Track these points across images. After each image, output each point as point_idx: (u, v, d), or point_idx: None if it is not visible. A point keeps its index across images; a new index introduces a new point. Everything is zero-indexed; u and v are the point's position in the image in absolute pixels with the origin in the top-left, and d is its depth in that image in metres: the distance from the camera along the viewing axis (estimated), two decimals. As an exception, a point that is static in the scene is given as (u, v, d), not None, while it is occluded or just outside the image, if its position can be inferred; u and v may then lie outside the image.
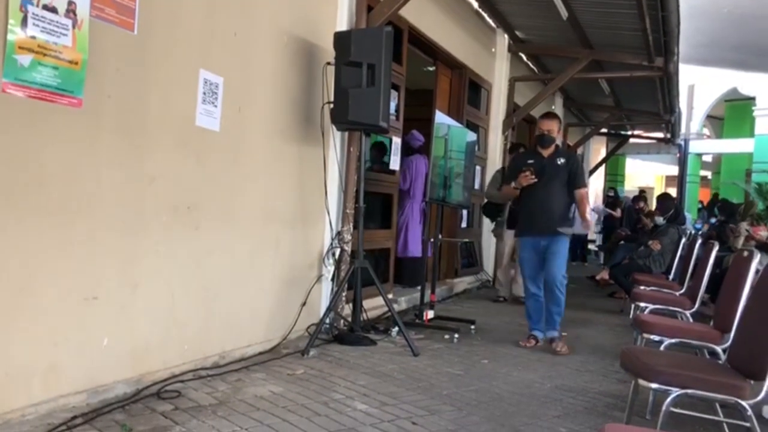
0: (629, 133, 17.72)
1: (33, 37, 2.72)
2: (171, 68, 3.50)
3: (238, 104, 4.01)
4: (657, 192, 20.93)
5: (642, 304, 5.05)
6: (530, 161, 5.06)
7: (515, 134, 9.53)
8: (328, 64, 4.73)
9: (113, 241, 3.20)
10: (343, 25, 5.00)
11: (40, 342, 2.87)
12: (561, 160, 5.01)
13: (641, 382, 2.72)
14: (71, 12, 2.87)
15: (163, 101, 3.46)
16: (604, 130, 16.32)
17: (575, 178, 5.01)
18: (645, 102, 12.52)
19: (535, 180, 4.94)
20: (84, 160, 3.01)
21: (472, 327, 5.65)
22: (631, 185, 23.65)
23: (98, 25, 3.01)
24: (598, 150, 18.95)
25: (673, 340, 3.55)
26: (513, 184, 5.12)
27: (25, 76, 2.70)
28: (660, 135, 17.63)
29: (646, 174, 26.60)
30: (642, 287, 5.83)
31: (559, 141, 5.39)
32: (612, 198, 14.50)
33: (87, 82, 2.96)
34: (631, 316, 5.93)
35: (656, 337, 3.68)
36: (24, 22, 2.68)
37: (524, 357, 4.76)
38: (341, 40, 4.54)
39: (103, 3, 3.03)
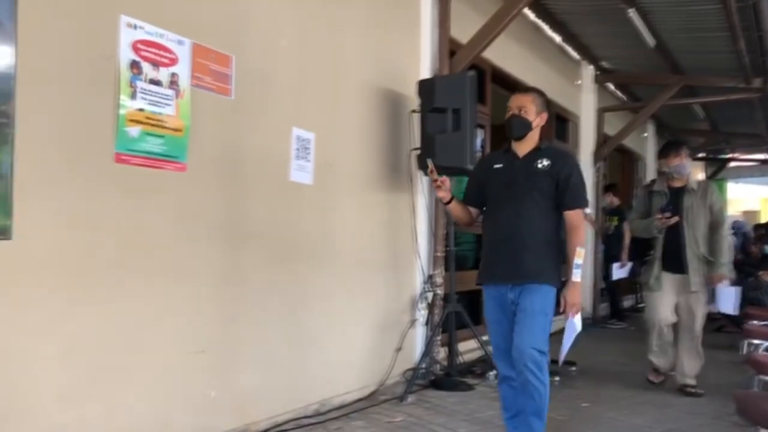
0: (727, 156, 16.91)
1: (141, 110, 2.93)
2: (266, 128, 3.67)
3: (329, 157, 4.14)
4: (763, 216, 19.76)
5: (756, 341, 4.76)
6: (497, 165, 3.27)
7: (607, 165, 9.29)
8: (413, 111, 4.82)
9: (216, 296, 3.34)
10: (426, 72, 5.09)
11: (155, 398, 3.02)
12: (543, 163, 3.14)
13: (762, 431, 2.56)
14: (174, 83, 3.08)
15: (259, 159, 3.62)
16: (701, 154, 15.65)
17: (564, 193, 3.11)
18: (744, 124, 11.95)
19: (448, 198, 3.19)
20: (188, 222, 3.19)
21: (573, 368, 5.45)
22: (734, 210, 22.46)
23: (198, 93, 3.22)
24: (695, 176, 18.17)
25: (794, 383, 3.33)
26: (438, 194, 3.24)
27: (135, 146, 2.91)
28: (763, 156, 16.72)
29: (751, 198, 25.19)
30: (755, 321, 5.50)
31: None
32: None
33: (190, 147, 3.15)
34: (743, 352, 5.58)
35: (775, 379, 3.46)
36: (133, 97, 2.89)
37: (629, 400, 4.56)
38: (425, 87, 4.62)
39: (202, 72, 3.24)
